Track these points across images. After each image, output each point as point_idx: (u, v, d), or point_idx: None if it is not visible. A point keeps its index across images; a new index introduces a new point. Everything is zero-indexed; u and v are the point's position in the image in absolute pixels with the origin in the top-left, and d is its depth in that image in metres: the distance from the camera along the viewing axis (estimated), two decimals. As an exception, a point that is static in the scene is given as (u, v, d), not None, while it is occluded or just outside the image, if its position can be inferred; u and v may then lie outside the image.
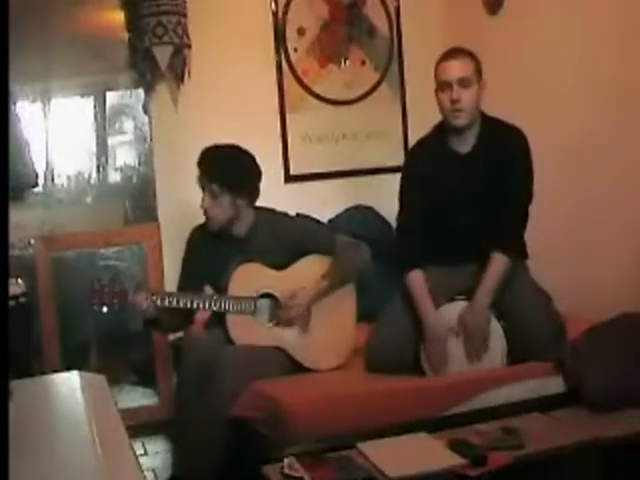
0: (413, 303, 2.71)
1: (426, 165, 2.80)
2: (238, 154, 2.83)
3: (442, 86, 2.67)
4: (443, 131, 2.77)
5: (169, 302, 2.66)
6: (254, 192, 2.84)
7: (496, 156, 2.70)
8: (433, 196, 2.76)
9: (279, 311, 2.78)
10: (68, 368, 1.82)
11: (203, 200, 2.78)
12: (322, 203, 3.85)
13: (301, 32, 3.96)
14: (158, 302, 2.66)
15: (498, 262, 2.65)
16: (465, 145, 2.74)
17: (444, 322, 2.66)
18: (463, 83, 2.64)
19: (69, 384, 1.61)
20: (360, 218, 3.85)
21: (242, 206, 2.80)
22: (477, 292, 2.63)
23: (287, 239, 2.82)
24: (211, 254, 2.83)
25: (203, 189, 2.78)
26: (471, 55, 2.69)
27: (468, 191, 2.72)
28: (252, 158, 2.83)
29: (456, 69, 2.65)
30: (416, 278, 2.72)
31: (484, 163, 2.71)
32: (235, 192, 2.77)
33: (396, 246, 2.90)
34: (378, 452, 2.16)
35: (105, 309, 2.64)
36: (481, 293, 2.63)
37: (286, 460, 2.11)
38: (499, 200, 2.68)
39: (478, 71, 2.69)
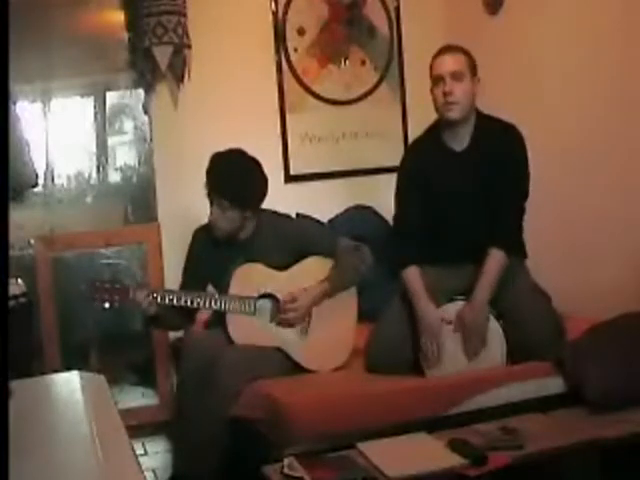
0: (409, 298, 2.71)
1: (421, 162, 2.80)
2: (247, 164, 2.78)
3: (436, 81, 2.69)
4: (438, 128, 2.78)
5: (170, 300, 2.66)
6: (262, 201, 2.82)
7: (492, 153, 2.70)
8: (429, 194, 2.76)
9: (279, 312, 2.78)
10: (68, 368, 1.82)
11: (211, 213, 2.74)
12: (322, 203, 3.85)
13: (301, 32, 3.96)
14: (159, 300, 2.66)
15: (495, 258, 2.65)
16: (460, 142, 2.74)
17: (440, 317, 2.66)
18: (455, 76, 2.65)
19: (69, 384, 1.60)
20: (360, 218, 3.85)
21: (249, 217, 2.79)
22: (475, 289, 2.64)
23: (289, 240, 2.82)
24: (213, 254, 2.83)
25: (211, 201, 2.74)
26: (464, 51, 2.71)
27: (464, 188, 2.72)
28: (259, 165, 2.79)
29: (448, 63, 2.66)
30: (412, 274, 2.73)
31: (480, 160, 2.71)
32: (245, 207, 2.75)
33: (392, 243, 2.90)
34: (378, 452, 2.15)
35: (107, 305, 2.65)
36: (479, 290, 2.63)
37: (286, 460, 2.10)
38: (495, 197, 2.68)
39: (471, 67, 2.70)
